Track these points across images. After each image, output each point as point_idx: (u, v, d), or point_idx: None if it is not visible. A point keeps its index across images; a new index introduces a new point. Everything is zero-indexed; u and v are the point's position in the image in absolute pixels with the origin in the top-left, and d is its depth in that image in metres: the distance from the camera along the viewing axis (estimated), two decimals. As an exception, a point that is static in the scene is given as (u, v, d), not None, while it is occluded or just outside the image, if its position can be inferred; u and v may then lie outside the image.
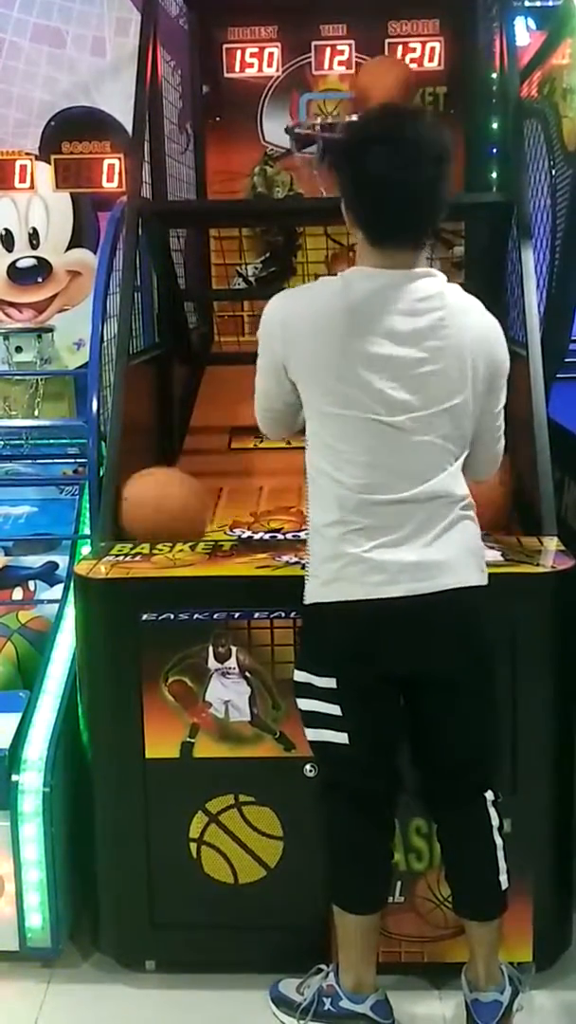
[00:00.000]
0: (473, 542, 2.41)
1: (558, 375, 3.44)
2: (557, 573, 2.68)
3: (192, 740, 2.77)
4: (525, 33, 4.57)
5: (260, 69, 4.54)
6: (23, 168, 4.91)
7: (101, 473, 3.33)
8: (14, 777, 2.82)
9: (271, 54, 4.53)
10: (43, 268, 5.30)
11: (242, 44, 4.54)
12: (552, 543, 2.83)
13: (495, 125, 4.16)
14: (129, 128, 3.76)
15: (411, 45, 4.48)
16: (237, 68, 4.56)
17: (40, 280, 5.32)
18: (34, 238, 5.29)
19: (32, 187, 4.94)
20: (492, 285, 3.66)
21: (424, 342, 2.29)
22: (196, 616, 2.73)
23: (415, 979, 2.82)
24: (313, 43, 4.51)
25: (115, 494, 3.11)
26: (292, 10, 4.48)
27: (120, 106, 4.91)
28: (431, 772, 2.52)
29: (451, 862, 2.59)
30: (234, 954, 2.86)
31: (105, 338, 3.67)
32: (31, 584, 3.87)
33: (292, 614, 2.66)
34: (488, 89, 4.23)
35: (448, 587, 2.33)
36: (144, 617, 2.73)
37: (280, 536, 3.25)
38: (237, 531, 3.32)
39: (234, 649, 2.73)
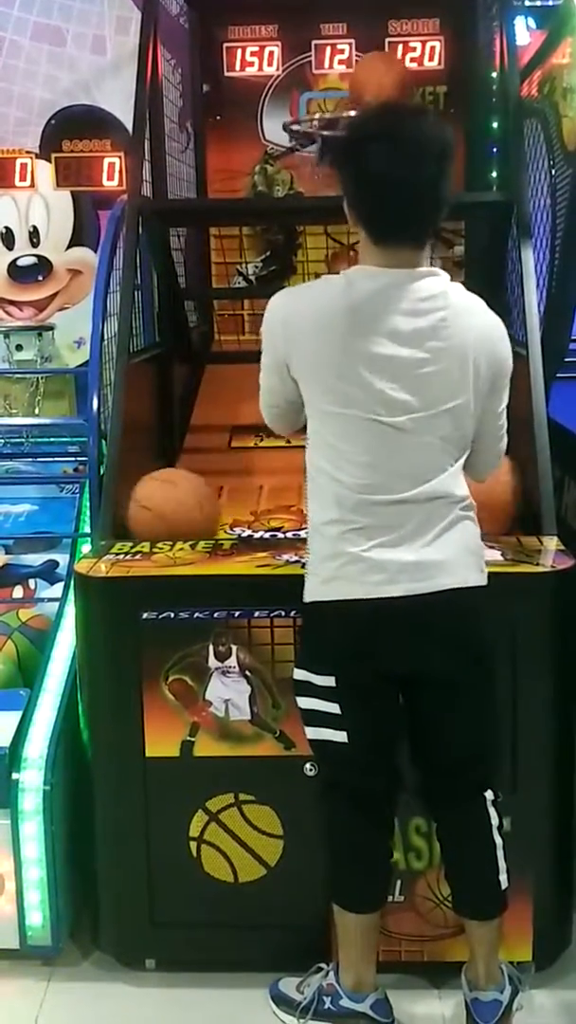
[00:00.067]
0: (473, 542, 2.41)
1: (558, 374, 3.44)
2: (557, 573, 2.68)
3: (192, 739, 2.77)
4: (525, 32, 4.57)
5: (260, 68, 4.54)
6: (23, 166, 4.92)
7: (101, 471, 3.33)
8: (14, 775, 2.82)
9: (271, 53, 4.53)
10: (43, 266, 5.30)
11: (242, 43, 4.55)
12: (552, 543, 2.83)
13: (495, 124, 4.15)
14: (129, 126, 3.76)
15: (411, 44, 4.48)
16: (237, 67, 4.56)
17: (40, 278, 5.32)
18: (34, 236, 5.30)
19: (32, 185, 4.95)
20: (492, 284, 3.65)
21: (426, 342, 2.28)
22: (196, 615, 2.73)
23: (415, 978, 2.82)
24: (313, 42, 4.51)
25: (116, 492, 3.11)
26: (292, 9, 4.48)
27: (120, 104, 4.91)
28: (430, 771, 2.52)
29: (451, 861, 2.59)
30: (234, 953, 2.86)
31: (105, 336, 3.67)
32: (31, 582, 3.87)
33: (292, 613, 2.66)
34: (488, 88, 4.22)
35: (447, 587, 2.33)
36: (144, 616, 2.73)
37: (280, 535, 3.25)
38: (237, 530, 3.33)
39: (234, 648, 2.73)
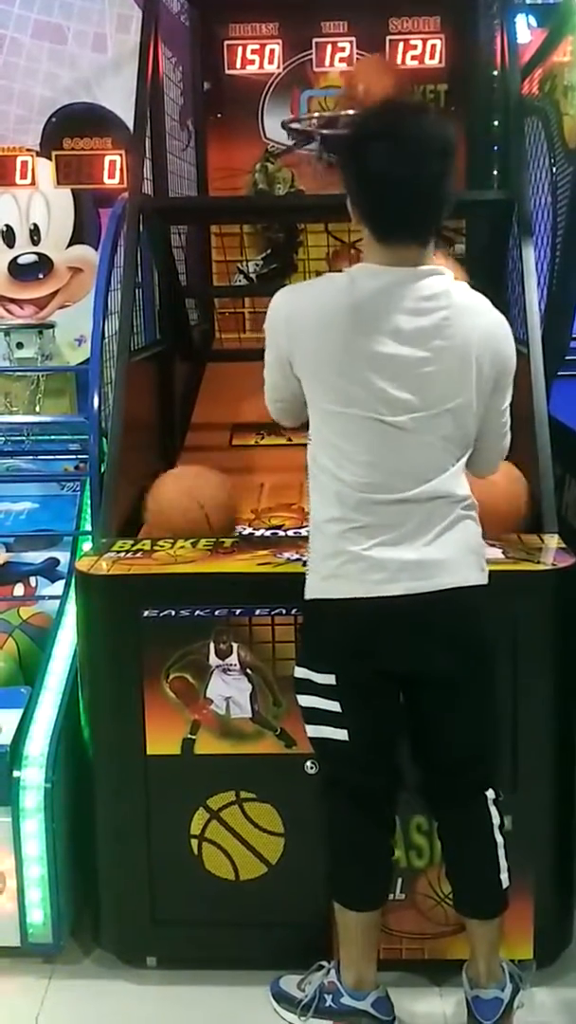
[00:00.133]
0: (474, 541, 2.41)
1: (559, 372, 3.44)
2: (558, 571, 2.68)
3: (193, 737, 2.77)
4: (526, 30, 4.56)
5: (261, 66, 4.55)
6: (24, 164, 4.92)
7: (102, 469, 3.33)
8: (15, 773, 2.82)
9: (272, 51, 4.54)
10: (44, 264, 5.31)
11: (243, 41, 4.55)
12: (553, 541, 2.83)
13: (496, 122, 4.15)
14: (130, 124, 3.77)
15: (412, 42, 4.49)
16: (238, 65, 4.57)
17: (41, 276, 5.33)
18: (35, 234, 5.30)
19: (33, 183, 4.96)
20: (493, 283, 3.65)
21: (428, 342, 2.27)
22: (197, 613, 2.73)
23: (416, 976, 2.83)
24: (314, 40, 4.52)
25: (116, 490, 3.11)
26: (293, 7, 4.49)
27: (121, 102, 4.92)
28: (431, 770, 2.52)
29: (452, 860, 2.59)
30: (235, 950, 2.86)
31: (106, 334, 3.67)
32: (32, 580, 3.88)
33: (293, 611, 2.66)
34: (489, 86, 4.22)
35: (448, 586, 2.32)
36: (145, 614, 2.73)
37: (281, 533, 3.25)
38: (238, 528, 3.32)
39: (235, 646, 2.73)
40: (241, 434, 3.98)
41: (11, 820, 2.82)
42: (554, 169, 3.59)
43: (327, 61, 4.52)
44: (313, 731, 2.47)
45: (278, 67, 4.54)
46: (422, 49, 4.48)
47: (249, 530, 3.31)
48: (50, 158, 4.85)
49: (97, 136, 4.86)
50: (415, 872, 2.78)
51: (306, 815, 2.70)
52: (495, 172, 4.17)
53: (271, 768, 2.77)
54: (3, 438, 4.27)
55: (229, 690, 2.75)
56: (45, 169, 4.92)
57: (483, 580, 2.41)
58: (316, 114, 4.32)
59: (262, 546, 2.94)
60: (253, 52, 4.55)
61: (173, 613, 2.73)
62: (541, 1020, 2.70)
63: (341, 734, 2.41)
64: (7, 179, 4.95)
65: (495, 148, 4.18)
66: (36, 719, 2.94)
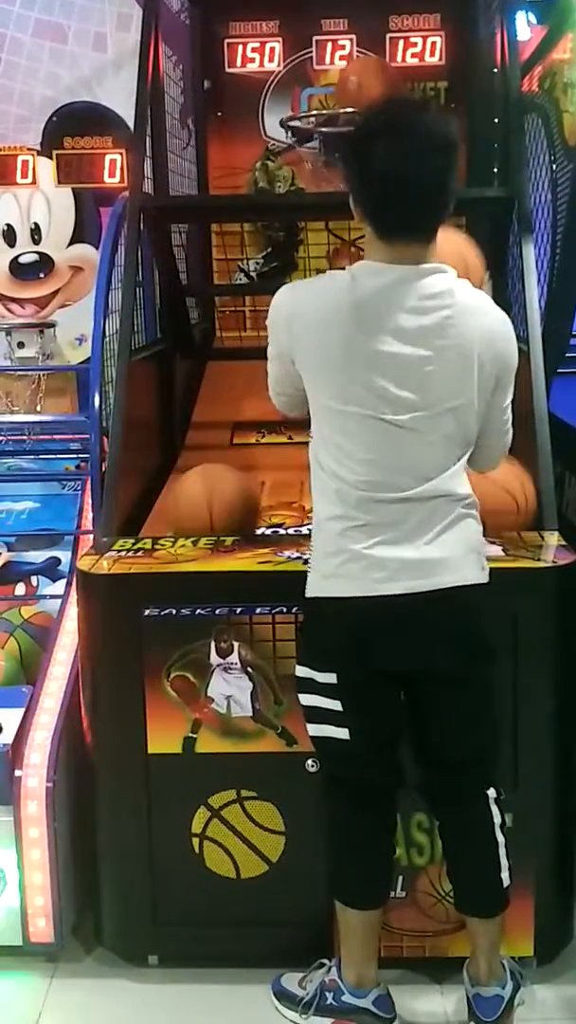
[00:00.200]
0: (475, 540, 2.41)
1: (559, 370, 3.44)
2: (558, 568, 2.68)
3: (194, 735, 2.77)
4: (526, 28, 4.56)
5: (261, 64, 4.55)
6: (25, 163, 4.90)
7: (103, 468, 3.33)
8: (17, 772, 2.82)
9: (272, 49, 4.54)
10: (45, 263, 5.29)
11: (243, 39, 4.55)
12: (553, 538, 2.83)
13: (496, 120, 4.14)
14: (131, 123, 3.77)
15: (412, 40, 4.49)
16: (238, 63, 4.57)
17: (42, 275, 5.31)
18: (36, 233, 5.29)
19: (34, 182, 4.94)
20: (493, 280, 3.65)
21: (430, 341, 2.27)
22: (198, 611, 2.73)
23: (417, 973, 2.83)
24: (314, 38, 4.52)
25: (118, 489, 3.11)
26: (293, 5, 4.49)
27: (122, 101, 4.90)
28: (432, 769, 2.52)
29: (453, 859, 2.59)
30: (236, 948, 2.86)
31: (107, 334, 3.68)
32: (33, 579, 3.88)
33: (294, 609, 2.66)
34: (489, 84, 4.21)
35: (448, 585, 2.33)
36: (146, 612, 2.73)
37: (282, 531, 3.25)
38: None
39: (236, 644, 2.74)
40: (242, 432, 3.98)
41: (13, 819, 2.82)
42: (554, 166, 3.58)
43: (327, 59, 4.52)
44: (314, 730, 2.47)
45: (278, 65, 4.54)
46: (422, 47, 4.49)
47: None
48: (51, 157, 4.84)
49: (98, 135, 4.84)
50: (416, 870, 2.78)
51: (307, 813, 2.70)
52: (495, 169, 4.16)
53: (272, 767, 2.77)
54: (4, 438, 4.27)
55: (230, 689, 2.75)
56: (46, 168, 4.90)
57: (484, 579, 2.41)
58: (314, 112, 4.32)
59: (263, 545, 2.94)
60: (253, 50, 4.55)
61: (174, 612, 2.73)
62: (542, 1017, 2.71)
63: (342, 733, 2.41)
64: (8, 178, 4.94)
65: (495, 145, 4.17)
66: (37, 718, 2.94)
